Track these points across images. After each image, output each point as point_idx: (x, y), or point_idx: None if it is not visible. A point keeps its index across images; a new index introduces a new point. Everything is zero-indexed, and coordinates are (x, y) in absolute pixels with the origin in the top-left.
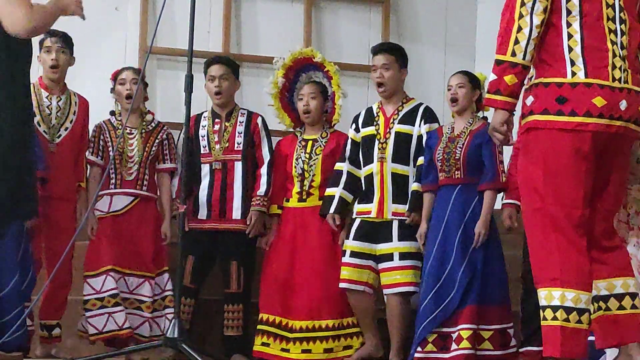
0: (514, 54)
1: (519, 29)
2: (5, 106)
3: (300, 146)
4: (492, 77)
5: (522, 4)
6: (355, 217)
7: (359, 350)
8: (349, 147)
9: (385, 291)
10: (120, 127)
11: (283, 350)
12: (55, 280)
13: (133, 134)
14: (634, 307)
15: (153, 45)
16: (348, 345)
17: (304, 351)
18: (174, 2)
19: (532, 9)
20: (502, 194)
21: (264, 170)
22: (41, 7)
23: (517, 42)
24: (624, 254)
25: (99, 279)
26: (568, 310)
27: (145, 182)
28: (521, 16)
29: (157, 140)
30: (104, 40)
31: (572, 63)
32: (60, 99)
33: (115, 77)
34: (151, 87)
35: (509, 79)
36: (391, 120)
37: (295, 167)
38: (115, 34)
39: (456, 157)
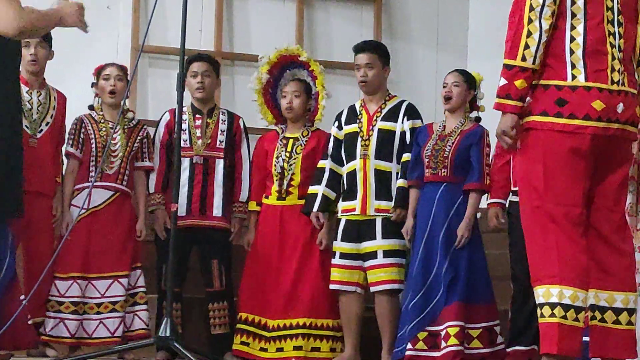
0: (524, 59)
1: (529, 33)
2: None
3: (281, 144)
4: (502, 81)
5: (531, 9)
6: (340, 217)
7: (336, 358)
8: (331, 144)
9: (372, 289)
10: (102, 121)
11: (262, 349)
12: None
13: (115, 129)
14: (629, 323)
15: (145, 43)
16: (316, 347)
17: (278, 350)
18: (166, 1)
19: (541, 13)
20: (487, 194)
21: (245, 175)
22: (33, 9)
23: (527, 46)
24: (632, 266)
25: (65, 283)
26: (566, 307)
27: (125, 177)
28: (530, 21)
29: (138, 137)
30: (95, 38)
31: (573, 66)
32: (41, 94)
33: (98, 72)
34: (143, 85)
35: (519, 83)
36: (374, 118)
37: (275, 165)
38: (107, 32)
39: (444, 155)
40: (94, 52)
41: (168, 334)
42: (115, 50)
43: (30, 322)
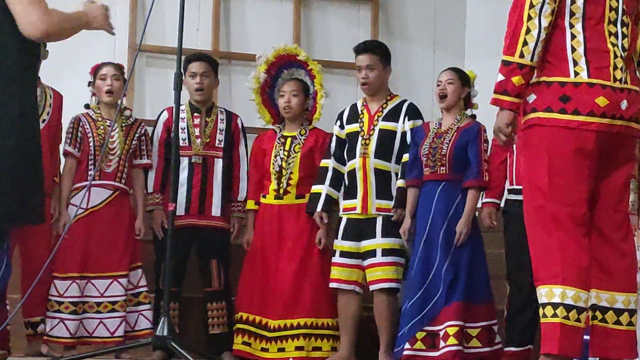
0: (522, 56)
1: (528, 30)
2: (12, 102)
3: (279, 143)
4: (500, 77)
5: (531, 6)
6: (342, 216)
7: (331, 357)
8: (334, 143)
9: (370, 287)
10: (99, 119)
11: (263, 349)
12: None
13: (113, 127)
14: (630, 324)
15: (142, 43)
16: (318, 346)
17: (279, 350)
18: (163, 0)
19: (541, 11)
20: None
21: (243, 174)
22: (60, 12)
23: (525, 43)
24: (633, 266)
25: (64, 283)
26: (568, 308)
27: (124, 176)
28: (530, 18)
29: (136, 135)
30: (93, 38)
31: (575, 63)
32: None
33: (95, 71)
34: (140, 84)
35: (516, 80)
36: (375, 118)
37: (273, 164)
38: (105, 31)
39: (442, 153)
40: (91, 51)
41: (165, 333)
42: (112, 50)
43: (27, 320)
